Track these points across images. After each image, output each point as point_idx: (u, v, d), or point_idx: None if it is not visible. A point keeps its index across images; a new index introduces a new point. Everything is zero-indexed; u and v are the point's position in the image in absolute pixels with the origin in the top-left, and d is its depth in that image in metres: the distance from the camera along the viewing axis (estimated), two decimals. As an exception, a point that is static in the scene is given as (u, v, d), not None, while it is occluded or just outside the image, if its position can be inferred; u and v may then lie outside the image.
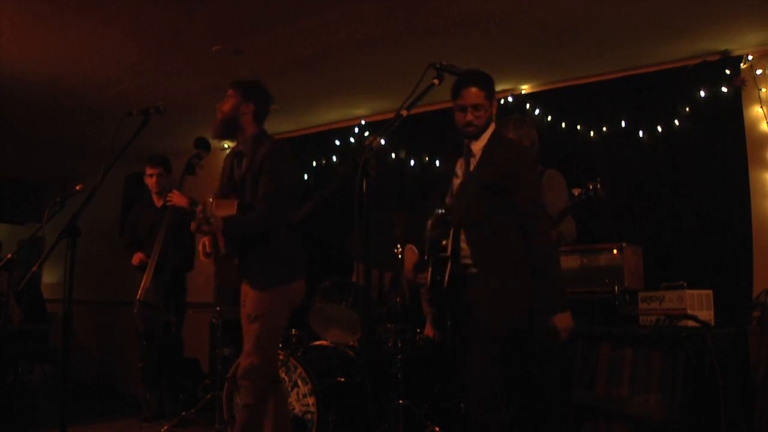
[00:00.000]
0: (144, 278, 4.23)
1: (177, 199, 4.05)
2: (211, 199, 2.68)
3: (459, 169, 2.74)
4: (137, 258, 4.42)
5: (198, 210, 2.67)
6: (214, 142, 4.05)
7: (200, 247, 2.92)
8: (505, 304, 2.46)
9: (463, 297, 2.53)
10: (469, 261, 2.54)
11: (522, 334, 2.51)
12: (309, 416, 3.47)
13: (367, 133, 5.35)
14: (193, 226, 2.72)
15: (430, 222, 2.65)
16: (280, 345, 3.85)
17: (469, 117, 2.57)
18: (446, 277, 2.47)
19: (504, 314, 2.45)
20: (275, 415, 2.90)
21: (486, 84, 2.60)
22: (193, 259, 4.59)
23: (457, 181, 2.73)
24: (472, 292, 2.50)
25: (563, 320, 2.46)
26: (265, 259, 2.87)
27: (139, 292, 4.22)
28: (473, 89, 2.56)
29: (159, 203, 4.58)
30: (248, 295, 2.90)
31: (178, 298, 4.51)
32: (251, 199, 2.82)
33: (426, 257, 2.60)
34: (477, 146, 2.64)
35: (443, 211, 2.66)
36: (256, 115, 2.95)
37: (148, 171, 4.57)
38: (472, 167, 2.64)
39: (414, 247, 3.03)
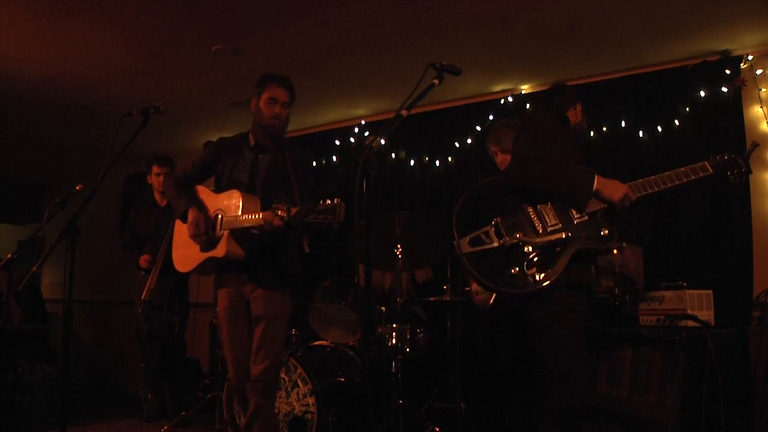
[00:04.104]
0: (149, 279, 4.22)
1: None
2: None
3: (570, 142, 2.63)
4: (144, 260, 4.41)
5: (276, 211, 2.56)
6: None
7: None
8: None
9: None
10: None
11: None
12: (309, 416, 3.47)
13: (367, 133, 5.35)
14: (277, 220, 2.56)
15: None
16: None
17: None
18: None
19: None
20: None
21: None
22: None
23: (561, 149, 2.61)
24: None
25: None
26: (282, 260, 2.87)
27: (144, 292, 4.22)
28: None
29: (163, 203, 4.59)
30: (257, 296, 2.83)
31: (181, 299, 4.52)
32: (269, 197, 2.75)
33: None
34: None
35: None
36: None
37: (156, 170, 4.57)
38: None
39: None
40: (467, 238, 2.46)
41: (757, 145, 2.90)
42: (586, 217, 2.47)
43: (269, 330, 2.80)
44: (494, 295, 3.28)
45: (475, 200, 2.59)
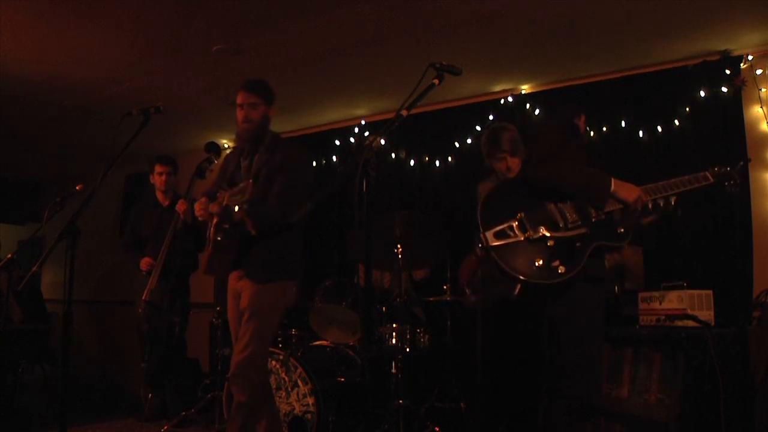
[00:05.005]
0: (150, 279, 4.22)
1: (180, 206, 4.11)
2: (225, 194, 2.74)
3: (580, 149, 2.82)
4: (145, 263, 4.40)
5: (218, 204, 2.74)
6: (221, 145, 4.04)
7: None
8: None
9: None
10: None
11: None
12: (309, 416, 3.47)
13: (367, 133, 5.35)
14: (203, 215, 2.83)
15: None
16: (280, 345, 3.86)
17: None
18: None
19: None
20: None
21: None
22: (197, 261, 4.59)
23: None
24: None
25: None
26: (269, 253, 2.91)
27: (145, 292, 4.21)
28: None
29: (165, 203, 4.58)
30: (245, 289, 2.92)
31: (182, 299, 4.51)
32: (260, 196, 2.83)
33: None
34: None
35: None
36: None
37: (158, 169, 4.57)
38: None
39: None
40: (492, 232, 2.54)
41: (749, 159, 3.35)
42: (603, 216, 2.62)
43: (251, 323, 2.86)
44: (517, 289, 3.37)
45: (497, 197, 2.69)
